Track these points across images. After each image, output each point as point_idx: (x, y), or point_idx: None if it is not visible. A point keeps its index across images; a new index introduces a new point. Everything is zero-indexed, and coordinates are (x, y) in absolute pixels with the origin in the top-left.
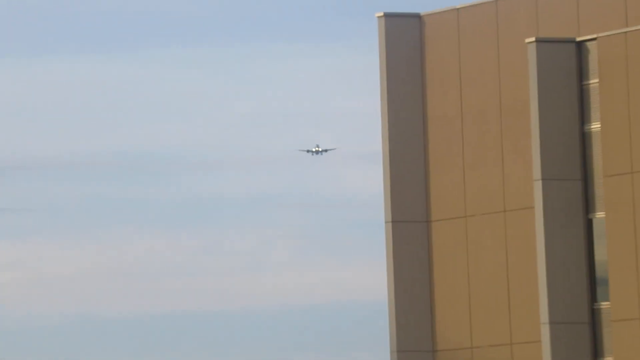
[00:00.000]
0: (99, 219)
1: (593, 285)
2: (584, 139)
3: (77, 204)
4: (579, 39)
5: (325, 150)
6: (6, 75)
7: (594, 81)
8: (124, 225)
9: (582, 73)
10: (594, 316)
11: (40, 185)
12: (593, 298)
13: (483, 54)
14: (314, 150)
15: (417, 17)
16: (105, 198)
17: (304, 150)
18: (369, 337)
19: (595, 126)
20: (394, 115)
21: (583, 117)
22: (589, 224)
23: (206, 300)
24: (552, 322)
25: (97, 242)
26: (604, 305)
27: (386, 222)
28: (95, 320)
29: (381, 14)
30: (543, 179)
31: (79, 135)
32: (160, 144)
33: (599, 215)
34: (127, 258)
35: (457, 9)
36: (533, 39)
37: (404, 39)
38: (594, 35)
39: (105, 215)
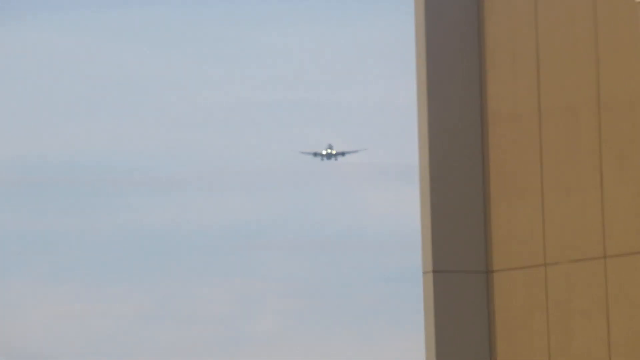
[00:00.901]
0: None
1: None
2: None
3: None
4: None
5: (342, 154)
6: None
7: None
8: (27, 275)
9: None
10: None
11: None
12: None
13: (572, 22)
14: (324, 153)
15: None
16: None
17: (309, 153)
18: None
19: None
20: (437, 114)
21: None
22: None
23: None
24: None
25: None
26: None
27: (425, 272)
28: None
29: None
30: None
31: None
32: (89, 151)
33: None
34: (31, 330)
35: None
36: None
37: (454, 1)
38: None
39: None
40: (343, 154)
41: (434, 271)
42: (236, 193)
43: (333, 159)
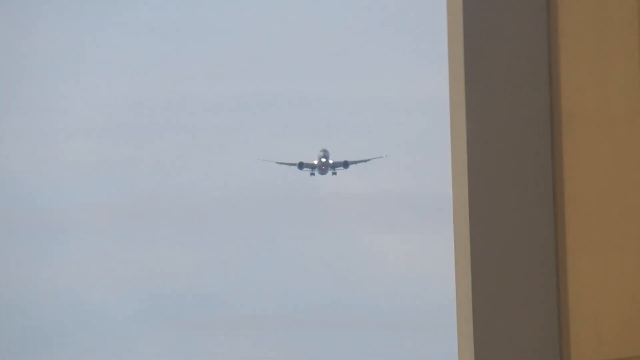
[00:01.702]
0: None
1: None
2: None
3: None
4: None
5: (344, 165)
6: None
7: None
8: None
9: None
10: None
11: None
12: None
13: None
14: (314, 163)
15: None
16: None
17: (290, 164)
18: None
19: None
20: (480, 119)
21: None
22: None
23: None
24: None
25: None
26: None
27: None
28: None
29: None
30: None
31: None
32: None
33: None
34: None
35: None
36: None
37: None
38: None
39: None
40: (346, 164)
41: None
42: (174, 237)
43: (330, 171)
